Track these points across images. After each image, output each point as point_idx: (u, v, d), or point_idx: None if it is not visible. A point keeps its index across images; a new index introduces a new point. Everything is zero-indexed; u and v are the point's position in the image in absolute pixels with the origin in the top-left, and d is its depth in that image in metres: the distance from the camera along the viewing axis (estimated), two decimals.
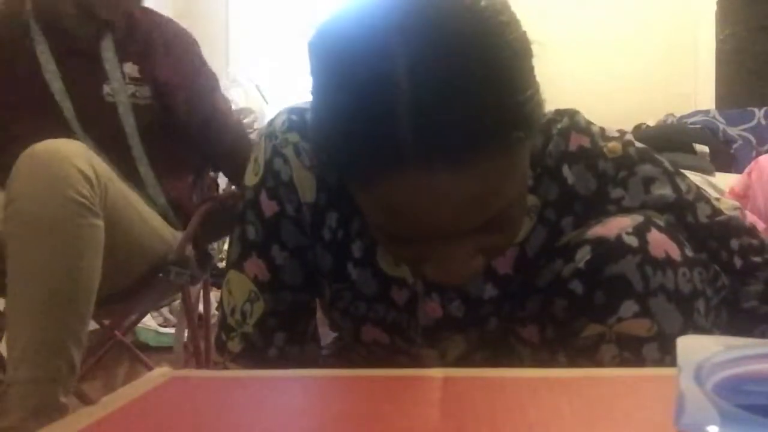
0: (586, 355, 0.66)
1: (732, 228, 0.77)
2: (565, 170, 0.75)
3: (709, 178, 2.59)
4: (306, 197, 0.78)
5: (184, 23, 1.59)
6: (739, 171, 2.48)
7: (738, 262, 0.76)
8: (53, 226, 1.08)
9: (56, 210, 1.08)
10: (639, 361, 0.64)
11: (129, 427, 0.47)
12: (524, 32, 0.58)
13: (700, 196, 0.78)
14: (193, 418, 0.48)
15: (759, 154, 2.70)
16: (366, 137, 0.54)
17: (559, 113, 0.78)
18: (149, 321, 2.59)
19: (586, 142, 0.75)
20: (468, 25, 0.54)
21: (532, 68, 0.59)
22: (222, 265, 1.48)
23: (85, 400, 1.45)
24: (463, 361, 0.80)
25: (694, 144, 2.73)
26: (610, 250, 0.66)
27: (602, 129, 0.78)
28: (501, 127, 0.54)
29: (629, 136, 0.78)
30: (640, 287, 0.64)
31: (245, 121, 2.93)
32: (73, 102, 1.44)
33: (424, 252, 0.62)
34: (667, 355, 0.63)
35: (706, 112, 3.01)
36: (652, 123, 3.05)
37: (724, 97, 3.28)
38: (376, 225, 0.64)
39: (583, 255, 0.67)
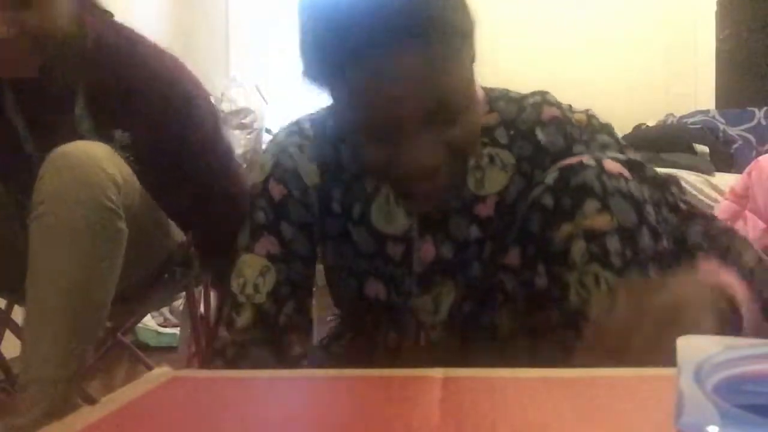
0: (560, 258, 0.77)
1: (673, 181, 0.90)
2: (538, 132, 0.90)
3: (709, 178, 2.59)
4: (312, 181, 0.92)
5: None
6: (739, 171, 2.48)
7: (683, 206, 0.88)
8: (80, 230, 1.08)
9: (85, 214, 1.08)
10: (605, 255, 0.75)
11: (129, 427, 0.47)
12: None
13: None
14: (193, 418, 0.48)
15: (759, 154, 2.70)
16: (338, 29, 0.70)
17: (532, 93, 0.92)
18: (149, 321, 2.59)
19: (556, 113, 0.91)
20: None
21: None
22: None
23: (85, 400, 1.45)
24: (454, 314, 0.90)
25: (694, 144, 2.73)
26: (573, 168, 0.79)
27: (570, 105, 0.92)
28: (437, 17, 0.70)
29: (592, 112, 0.93)
30: (600, 190, 0.77)
31: (244, 121, 2.92)
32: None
33: (394, 148, 0.75)
34: (627, 248, 0.75)
35: (706, 112, 3.01)
36: (652, 123, 3.05)
37: (724, 97, 3.28)
38: (353, 124, 0.77)
39: (552, 176, 0.80)
